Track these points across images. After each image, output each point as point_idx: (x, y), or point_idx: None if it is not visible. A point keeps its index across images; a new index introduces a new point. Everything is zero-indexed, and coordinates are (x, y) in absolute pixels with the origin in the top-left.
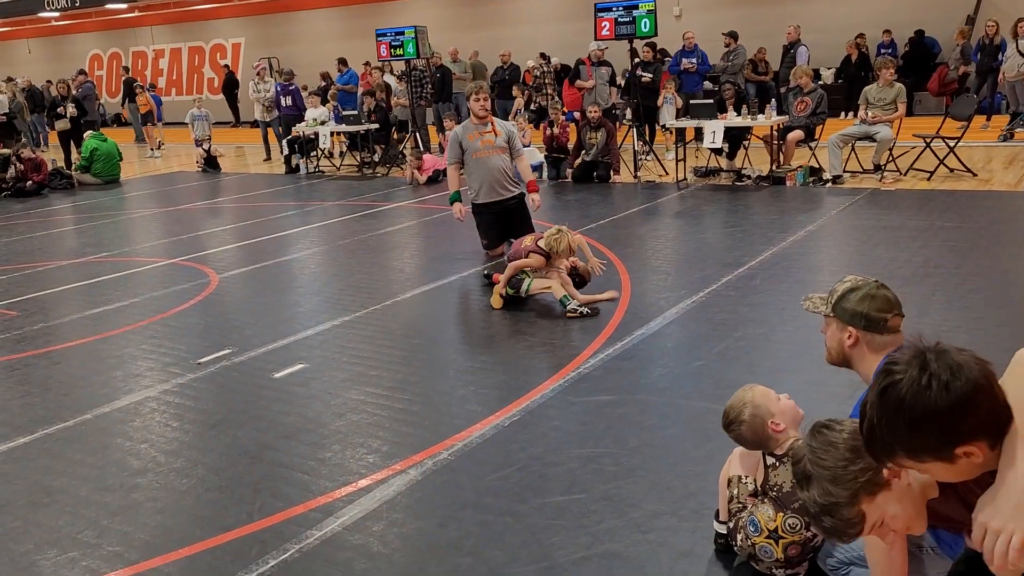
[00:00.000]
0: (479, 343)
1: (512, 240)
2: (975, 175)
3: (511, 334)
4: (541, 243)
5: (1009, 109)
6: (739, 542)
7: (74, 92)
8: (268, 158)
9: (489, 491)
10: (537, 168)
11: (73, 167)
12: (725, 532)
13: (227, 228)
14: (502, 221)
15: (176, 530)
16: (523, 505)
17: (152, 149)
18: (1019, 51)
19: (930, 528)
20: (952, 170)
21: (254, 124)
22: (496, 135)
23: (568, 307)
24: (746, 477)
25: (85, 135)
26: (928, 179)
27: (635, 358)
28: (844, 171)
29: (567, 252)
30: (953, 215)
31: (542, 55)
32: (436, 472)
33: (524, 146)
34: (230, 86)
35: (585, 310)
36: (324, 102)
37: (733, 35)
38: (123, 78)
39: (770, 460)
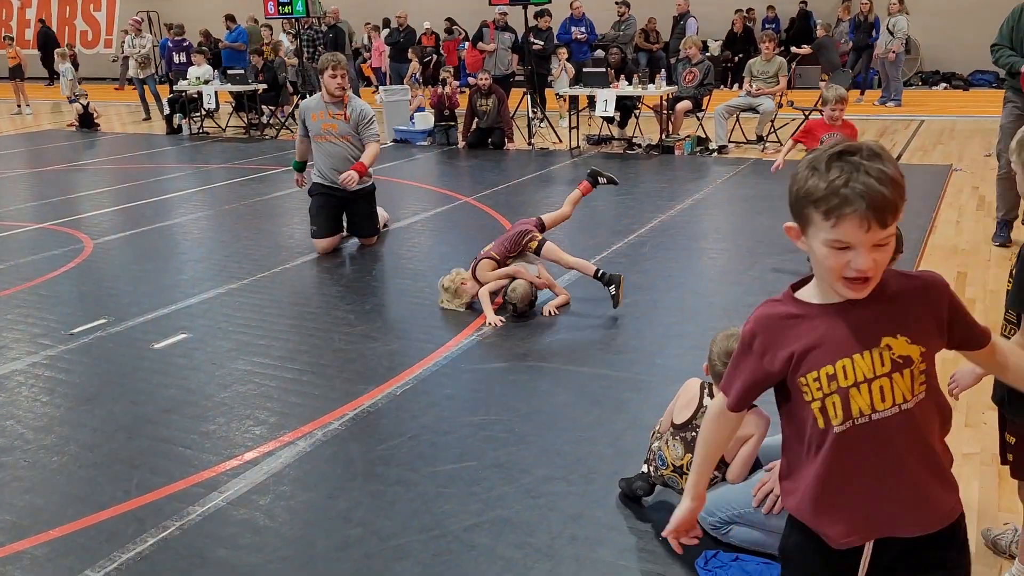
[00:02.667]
0: (370, 311)
1: (345, 233)
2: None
3: (403, 302)
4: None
5: (881, 85)
6: (651, 471)
7: None
8: (147, 117)
9: (380, 461)
10: (429, 134)
11: None
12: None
13: (103, 191)
14: (336, 211)
15: (46, 510)
16: (414, 474)
17: (19, 105)
18: (888, 30)
19: None
20: None
21: (129, 82)
22: (346, 120)
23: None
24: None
25: None
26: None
27: (527, 325)
28: (729, 141)
29: (467, 289)
30: None
31: (448, 20)
32: (326, 443)
33: (418, 109)
34: (46, 42)
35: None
36: (211, 61)
37: (626, 3)
38: None
39: (708, 402)
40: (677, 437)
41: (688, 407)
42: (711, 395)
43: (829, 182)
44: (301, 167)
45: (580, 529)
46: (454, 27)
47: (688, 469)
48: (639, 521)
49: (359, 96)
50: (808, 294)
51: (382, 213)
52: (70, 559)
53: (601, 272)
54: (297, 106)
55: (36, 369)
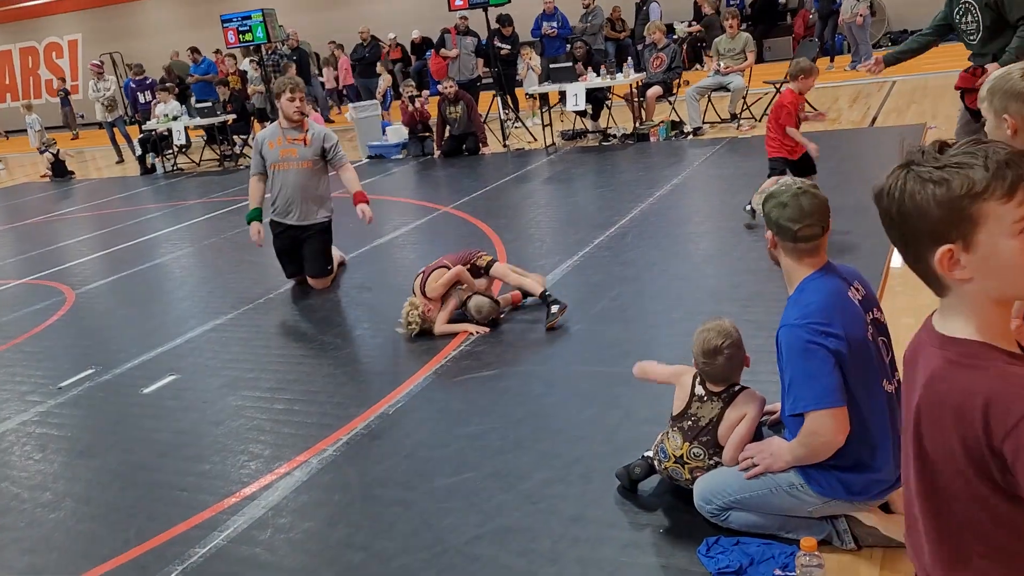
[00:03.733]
0: (357, 334)
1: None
2: (823, 116)
3: (390, 320)
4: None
5: (850, 50)
6: (655, 466)
7: None
8: (120, 160)
9: (377, 482)
10: (403, 146)
11: None
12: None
13: (81, 239)
14: (293, 250)
15: (47, 570)
16: (412, 492)
17: None
18: None
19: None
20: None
21: (100, 126)
22: (306, 144)
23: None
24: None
25: None
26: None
27: (515, 330)
28: (703, 122)
29: (431, 317)
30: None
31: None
32: (322, 471)
33: (386, 124)
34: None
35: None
36: (179, 97)
37: None
38: None
39: (700, 391)
40: (675, 428)
41: (681, 398)
42: (702, 384)
43: (984, 164)
44: (259, 214)
45: (582, 530)
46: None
47: (688, 459)
48: (639, 516)
49: (328, 117)
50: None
51: (337, 253)
52: None
53: (548, 294)
54: None
55: (27, 427)
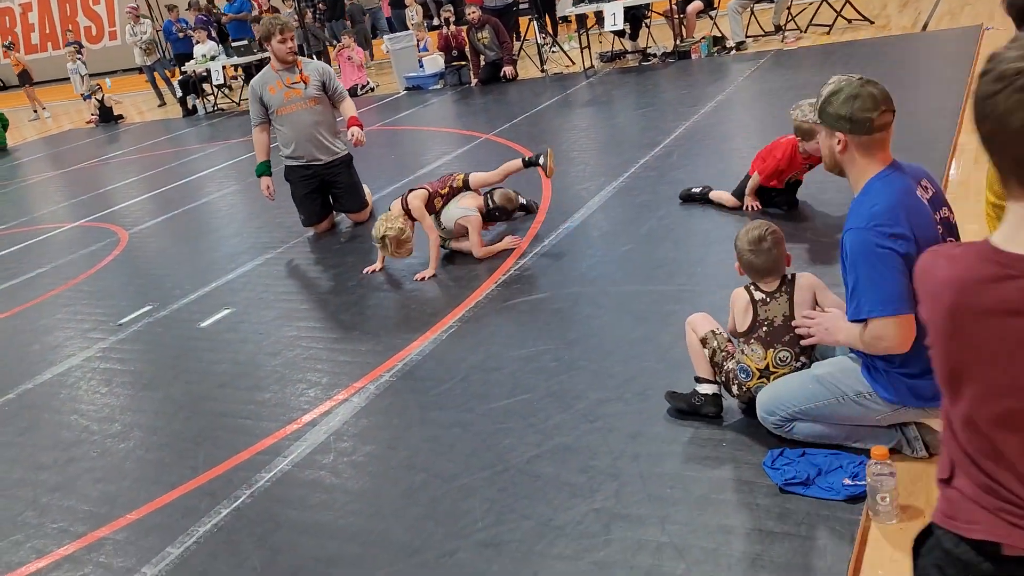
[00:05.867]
0: (406, 263)
1: (336, 213)
2: (872, 23)
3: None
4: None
5: None
6: (736, 392)
7: None
8: (162, 103)
9: (434, 405)
10: (440, 76)
11: None
12: (713, 391)
13: (130, 182)
14: (320, 190)
15: (120, 496)
16: (470, 414)
17: (35, 110)
18: None
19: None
20: (850, 21)
21: (140, 71)
22: (305, 83)
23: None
24: (718, 330)
25: None
26: (828, 33)
27: (564, 253)
28: (747, 36)
29: (401, 241)
30: (855, 66)
31: None
32: (380, 396)
33: (422, 49)
34: None
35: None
36: (216, 37)
37: None
38: None
39: (759, 296)
40: (752, 341)
41: (747, 313)
42: (756, 289)
43: None
44: (267, 167)
45: (641, 447)
46: None
47: (774, 367)
48: (700, 431)
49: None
50: None
51: (365, 189)
52: (150, 539)
53: (527, 158)
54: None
55: (91, 363)
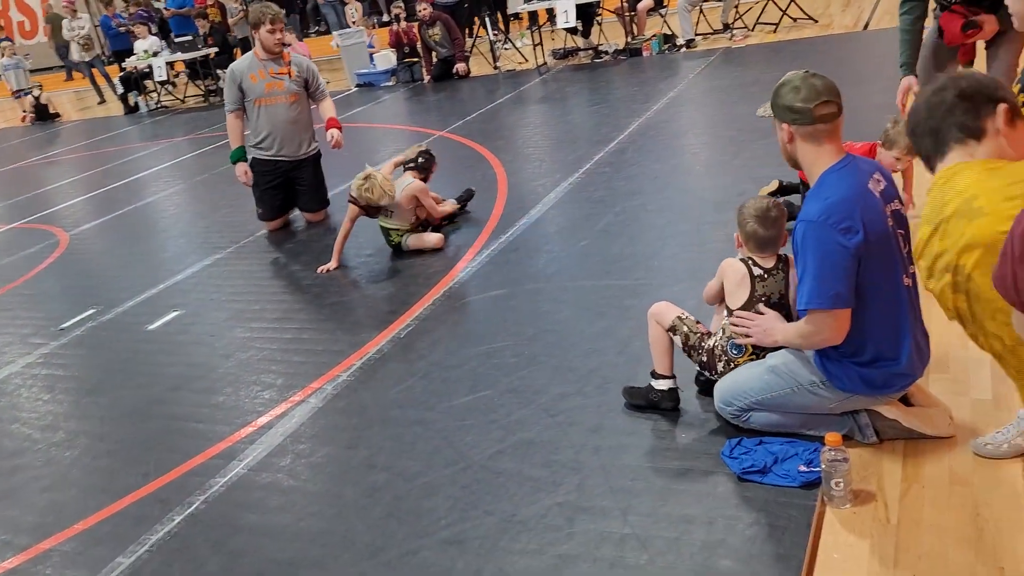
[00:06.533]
0: (360, 261)
1: (298, 211)
2: (816, 21)
3: (390, 249)
4: (352, 191)
5: None
6: (720, 369)
7: None
8: (102, 100)
9: (394, 404)
10: (392, 73)
11: None
12: (670, 387)
13: (70, 181)
14: (283, 187)
15: (68, 505)
16: (430, 412)
17: None
18: None
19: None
20: (795, 19)
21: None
22: (289, 76)
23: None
24: (684, 315)
25: None
26: (774, 31)
27: (520, 249)
28: (696, 34)
29: (383, 197)
30: (801, 63)
31: None
32: (337, 396)
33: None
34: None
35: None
36: (157, 32)
37: None
38: None
39: (757, 271)
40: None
41: (742, 286)
42: (756, 266)
43: None
44: (243, 153)
45: (602, 440)
46: None
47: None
48: (659, 423)
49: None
50: None
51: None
52: (100, 549)
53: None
54: None
55: (32, 369)
